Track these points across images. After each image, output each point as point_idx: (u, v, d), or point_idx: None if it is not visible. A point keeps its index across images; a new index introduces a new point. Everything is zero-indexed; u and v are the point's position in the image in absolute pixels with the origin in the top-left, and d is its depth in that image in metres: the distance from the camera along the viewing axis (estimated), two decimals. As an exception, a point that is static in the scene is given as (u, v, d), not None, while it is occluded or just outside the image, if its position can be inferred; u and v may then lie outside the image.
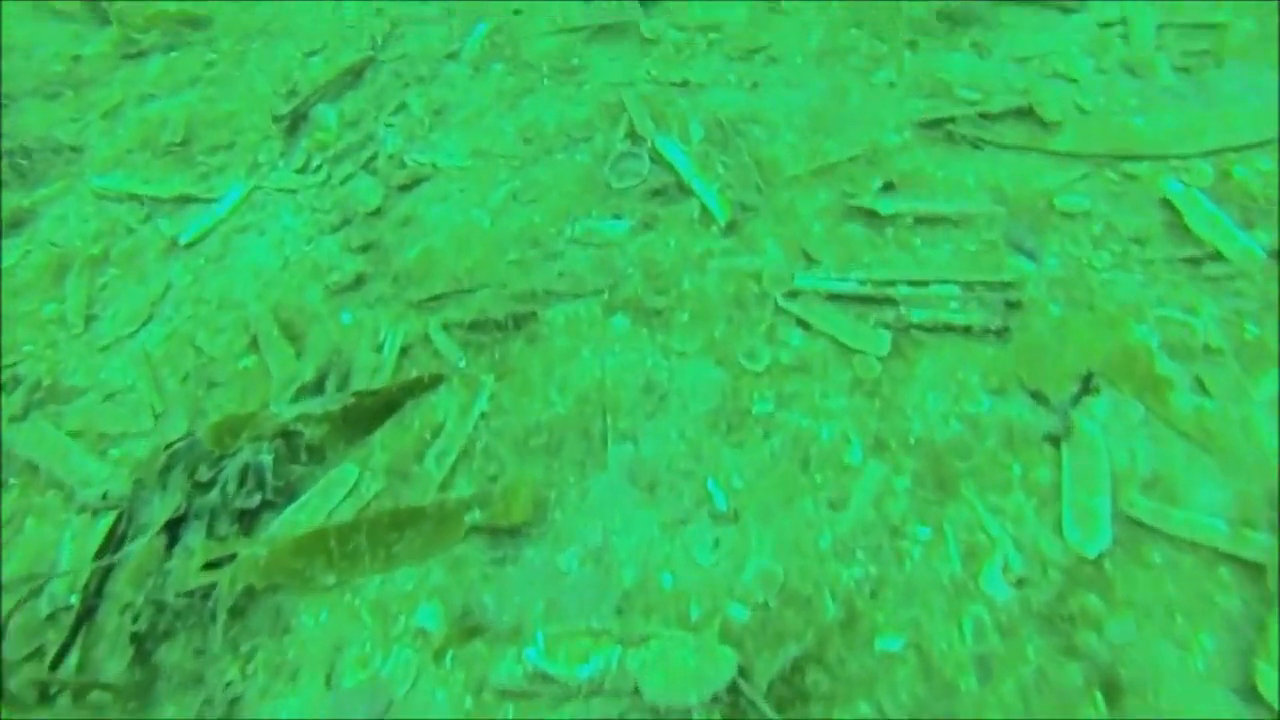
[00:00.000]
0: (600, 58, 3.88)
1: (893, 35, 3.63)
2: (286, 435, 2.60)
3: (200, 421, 2.75)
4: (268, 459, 2.53)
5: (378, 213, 3.38)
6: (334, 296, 3.07)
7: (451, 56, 4.08)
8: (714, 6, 3.99)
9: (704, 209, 3.01)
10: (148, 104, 4.27)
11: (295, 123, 3.89)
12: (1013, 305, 2.57)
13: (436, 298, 2.95)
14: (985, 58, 3.45)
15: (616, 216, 3.05)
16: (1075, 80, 3.26)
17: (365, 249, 3.23)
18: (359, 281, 3.09)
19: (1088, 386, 2.34)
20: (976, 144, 3.08)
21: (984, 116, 3.16)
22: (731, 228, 2.93)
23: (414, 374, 2.77)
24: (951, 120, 3.16)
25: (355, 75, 4.10)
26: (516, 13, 4.27)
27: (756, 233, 2.92)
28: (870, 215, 2.87)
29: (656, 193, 3.10)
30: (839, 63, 3.57)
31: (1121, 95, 3.16)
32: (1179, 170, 2.84)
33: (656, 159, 3.21)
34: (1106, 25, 3.45)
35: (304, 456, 2.58)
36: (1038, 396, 2.37)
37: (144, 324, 3.17)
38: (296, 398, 2.71)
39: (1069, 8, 3.57)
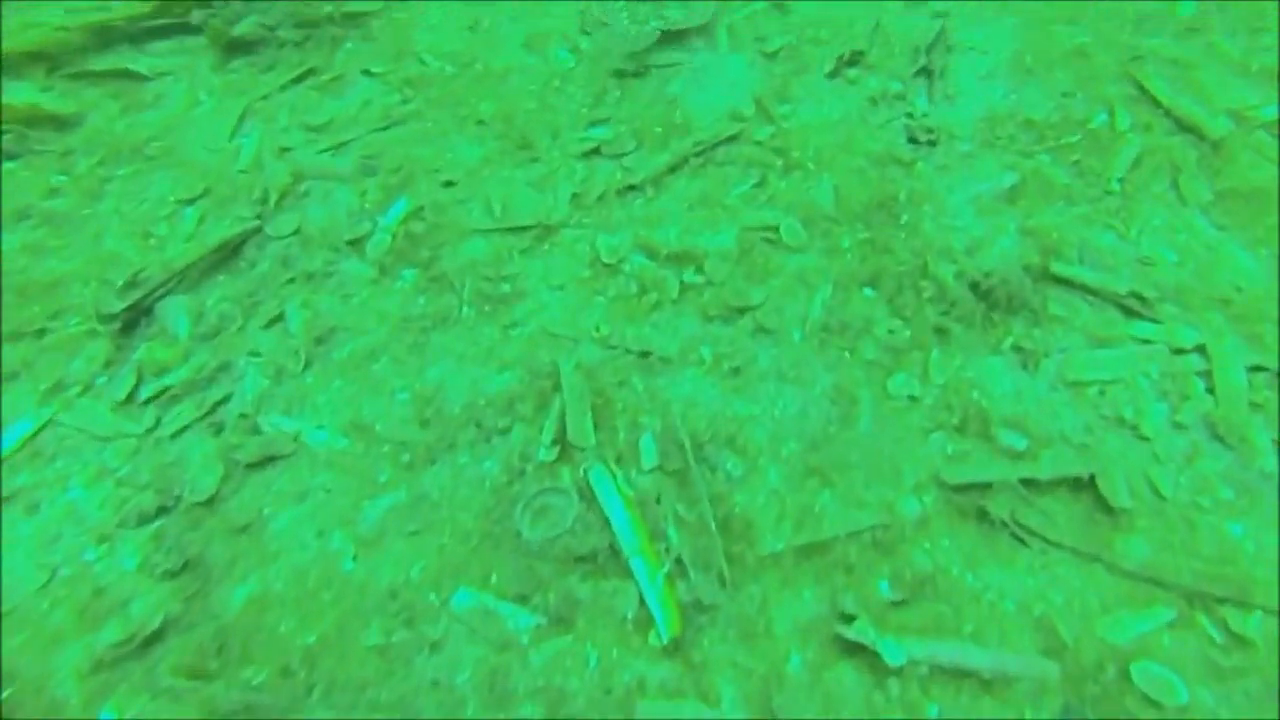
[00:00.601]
0: (540, 281, 3.02)
1: (917, 311, 2.83)
2: None
3: None
4: None
5: (209, 504, 2.47)
6: (104, 670, 2.15)
7: (355, 245, 3.18)
8: (696, 225, 3.16)
9: (642, 602, 2.17)
10: (-49, 244, 3.29)
11: (135, 320, 2.97)
12: None
13: (252, 706, 2.06)
14: (1031, 373, 2.67)
15: (522, 597, 2.19)
16: (1147, 439, 2.49)
17: (176, 574, 2.32)
18: (149, 644, 2.18)
19: None
20: (1020, 536, 2.29)
21: (1029, 485, 2.38)
22: (676, 647, 2.10)
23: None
24: (988, 488, 2.37)
25: (231, 253, 3.19)
26: (448, 185, 3.39)
27: (710, 660, 2.08)
28: (870, 656, 2.06)
29: (581, 559, 2.24)
30: (847, 348, 2.75)
31: (1209, 477, 2.40)
32: (1296, 640, 2.08)
33: (588, 497, 2.36)
34: (1180, 352, 2.68)
35: None
36: None
37: None
38: None
39: (1132, 309, 2.80)
